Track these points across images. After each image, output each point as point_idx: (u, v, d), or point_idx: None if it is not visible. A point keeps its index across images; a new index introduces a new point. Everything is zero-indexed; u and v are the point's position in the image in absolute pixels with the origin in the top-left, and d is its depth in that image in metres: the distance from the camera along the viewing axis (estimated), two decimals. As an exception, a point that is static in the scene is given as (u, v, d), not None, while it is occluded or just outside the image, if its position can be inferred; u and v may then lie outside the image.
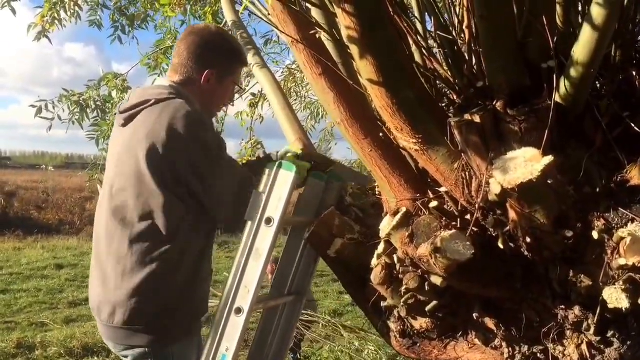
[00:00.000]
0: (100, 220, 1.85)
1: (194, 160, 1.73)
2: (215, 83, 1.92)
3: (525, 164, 1.21)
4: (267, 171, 1.74)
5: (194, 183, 1.74)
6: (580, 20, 1.49)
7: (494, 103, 1.37)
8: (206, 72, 1.89)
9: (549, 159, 1.20)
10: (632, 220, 1.26)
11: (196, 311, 1.80)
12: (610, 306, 1.24)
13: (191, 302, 1.80)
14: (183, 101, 1.78)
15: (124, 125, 1.84)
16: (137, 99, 1.85)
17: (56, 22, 4.05)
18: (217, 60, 1.91)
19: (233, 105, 2.17)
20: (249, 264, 1.71)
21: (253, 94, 4.51)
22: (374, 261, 1.60)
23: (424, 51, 1.64)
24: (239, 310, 1.69)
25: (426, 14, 1.76)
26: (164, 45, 4.51)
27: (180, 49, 1.92)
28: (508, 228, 1.36)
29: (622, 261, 1.23)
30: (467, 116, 1.34)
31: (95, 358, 5.87)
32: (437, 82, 1.62)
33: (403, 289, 1.51)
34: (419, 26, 1.71)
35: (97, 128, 4.35)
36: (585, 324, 1.35)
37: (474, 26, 1.54)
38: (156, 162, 1.71)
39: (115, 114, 4.40)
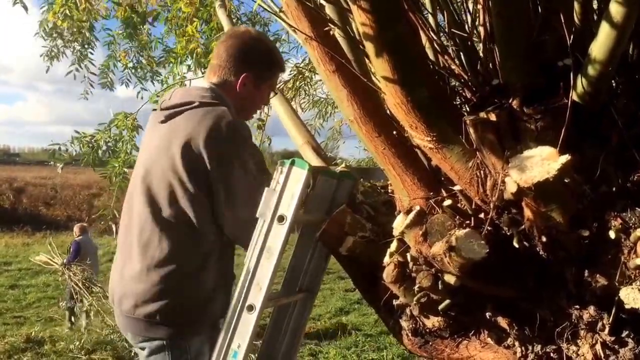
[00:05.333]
0: (130, 211, 1.86)
1: (227, 173, 1.73)
2: (252, 88, 1.92)
3: (542, 162, 1.20)
4: (279, 168, 1.74)
5: (220, 194, 1.74)
6: (595, 18, 1.48)
7: (510, 101, 1.36)
8: (243, 76, 1.89)
9: (565, 157, 1.19)
10: (649, 220, 1.25)
11: (217, 310, 1.81)
12: (627, 306, 1.23)
13: (214, 301, 1.81)
14: (226, 109, 1.79)
15: (164, 122, 1.85)
16: (179, 98, 1.87)
17: (67, 18, 4.08)
18: (255, 65, 1.91)
19: (268, 105, 2.17)
20: (260, 262, 1.70)
21: (261, 120, 4.50)
22: (387, 259, 1.59)
23: (438, 48, 1.63)
24: (250, 308, 1.69)
25: (440, 11, 1.75)
26: (170, 89, 4.60)
27: (220, 51, 1.93)
28: (523, 227, 1.35)
29: (639, 261, 1.23)
30: (482, 114, 1.33)
31: (104, 352, 5.90)
32: (452, 79, 1.62)
33: (416, 287, 1.51)
34: (432, 23, 1.70)
35: (109, 167, 4.56)
36: (599, 324, 1.35)
37: (489, 23, 1.53)
38: (192, 162, 1.72)
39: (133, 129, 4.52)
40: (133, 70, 5.04)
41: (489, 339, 1.55)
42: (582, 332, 1.37)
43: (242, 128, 1.81)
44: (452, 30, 1.66)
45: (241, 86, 1.90)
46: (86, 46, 4.93)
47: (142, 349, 1.83)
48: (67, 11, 3.98)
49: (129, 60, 5.01)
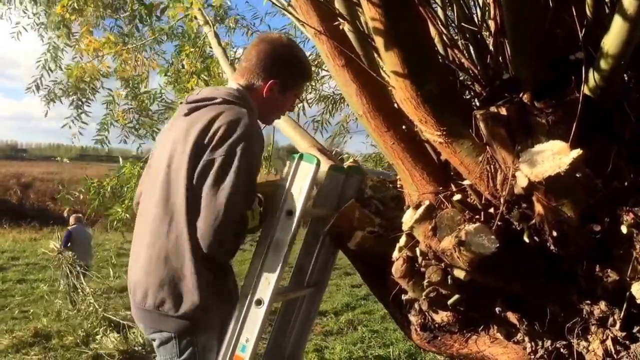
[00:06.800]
0: (149, 199, 1.87)
1: (221, 172, 1.73)
2: (277, 94, 1.94)
3: (553, 157, 1.20)
4: (288, 163, 1.74)
5: (205, 190, 1.73)
6: (608, 11, 1.47)
7: (521, 95, 1.35)
8: (270, 82, 1.91)
9: (577, 152, 1.18)
10: (662, 215, 1.24)
11: (225, 305, 1.81)
12: (639, 302, 1.23)
13: (220, 295, 1.81)
14: (246, 111, 1.80)
15: (187, 114, 1.87)
16: (206, 94, 1.91)
17: (76, 12, 4.10)
18: (283, 72, 1.93)
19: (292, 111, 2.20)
20: (269, 256, 1.71)
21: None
22: (396, 254, 1.59)
23: (448, 42, 1.62)
24: (259, 302, 1.70)
25: (449, 4, 1.74)
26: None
27: (251, 54, 1.95)
28: (533, 222, 1.34)
29: (651, 256, 1.22)
30: (492, 108, 1.32)
31: (109, 348, 5.92)
32: (461, 73, 1.61)
33: (425, 282, 1.51)
34: (442, 17, 1.69)
35: (114, 211, 4.67)
36: (610, 319, 1.34)
37: (499, 17, 1.52)
38: (198, 156, 1.74)
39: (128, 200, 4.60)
40: (133, 130, 5.17)
41: (498, 334, 1.55)
42: (592, 328, 1.37)
43: (255, 135, 1.81)
44: (462, 24, 1.65)
45: (268, 91, 1.92)
46: (83, 101, 5.07)
47: (153, 339, 1.85)
48: (76, 5, 3.98)
49: (127, 120, 5.13)
